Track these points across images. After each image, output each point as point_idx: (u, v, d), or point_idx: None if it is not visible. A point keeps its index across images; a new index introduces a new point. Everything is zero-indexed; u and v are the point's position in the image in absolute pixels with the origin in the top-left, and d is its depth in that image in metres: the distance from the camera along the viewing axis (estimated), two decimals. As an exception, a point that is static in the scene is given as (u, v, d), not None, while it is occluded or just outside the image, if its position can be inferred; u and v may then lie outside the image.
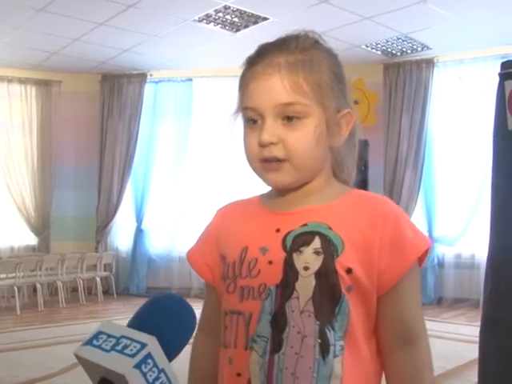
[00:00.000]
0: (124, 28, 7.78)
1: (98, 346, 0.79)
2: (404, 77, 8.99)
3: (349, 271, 1.04)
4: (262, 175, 1.12)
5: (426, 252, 1.10)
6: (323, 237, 1.06)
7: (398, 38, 8.18)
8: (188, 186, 9.87)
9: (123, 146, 9.92)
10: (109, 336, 0.80)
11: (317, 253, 1.05)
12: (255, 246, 1.10)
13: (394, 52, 8.79)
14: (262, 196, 1.21)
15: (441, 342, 6.07)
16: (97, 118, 10.05)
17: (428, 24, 7.51)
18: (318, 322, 1.03)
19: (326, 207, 1.11)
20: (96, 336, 0.81)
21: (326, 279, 1.04)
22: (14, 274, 7.77)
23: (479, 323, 3.05)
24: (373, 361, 1.09)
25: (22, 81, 9.76)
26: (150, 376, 0.76)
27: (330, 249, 1.05)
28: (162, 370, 0.77)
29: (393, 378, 1.10)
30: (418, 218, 8.88)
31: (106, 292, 9.43)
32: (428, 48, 8.54)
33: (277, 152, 1.07)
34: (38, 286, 8.13)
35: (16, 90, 9.73)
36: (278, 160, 1.08)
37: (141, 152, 9.98)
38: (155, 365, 0.77)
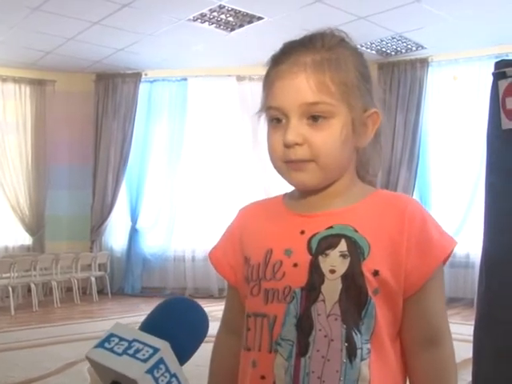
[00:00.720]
0: (119, 27, 7.76)
1: (110, 349, 0.78)
2: (398, 76, 9.01)
3: (375, 273, 1.04)
4: (287, 176, 1.10)
5: (451, 252, 1.10)
6: (349, 239, 1.05)
7: (393, 38, 8.19)
8: (183, 186, 9.86)
9: (118, 145, 9.90)
10: (121, 339, 0.80)
11: (343, 256, 1.04)
12: (280, 248, 1.09)
13: (388, 51, 8.80)
14: (285, 196, 1.19)
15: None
16: (91, 117, 10.03)
17: (422, 24, 7.53)
18: (344, 326, 1.02)
19: (351, 209, 1.09)
20: (108, 338, 0.80)
21: (353, 282, 1.03)
22: (8, 274, 7.75)
23: (474, 322, 3.05)
24: (398, 363, 1.09)
25: (17, 80, 9.73)
26: (162, 381, 0.76)
27: (356, 251, 1.04)
28: (173, 375, 0.77)
29: (417, 380, 1.10)
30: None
31: (101, 292, 9.41)
32: (422, 47, 8.56)
33: (302, 153, 1.05)
34: (33, 286, 8.11)
35: (10, 89, 9.71)
36: (304, 161, 1.06)
37: (135, 151, 9.97)
38: (167, 370, 0.76)
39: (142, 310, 7.99)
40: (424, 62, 8.85)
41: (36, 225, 9.79)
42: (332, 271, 1.04)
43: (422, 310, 1.08)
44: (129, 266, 9.91)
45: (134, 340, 0.79)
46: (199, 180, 9.76)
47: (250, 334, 1.10)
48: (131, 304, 8.70)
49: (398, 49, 8.68)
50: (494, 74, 2.89)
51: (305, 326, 1.04)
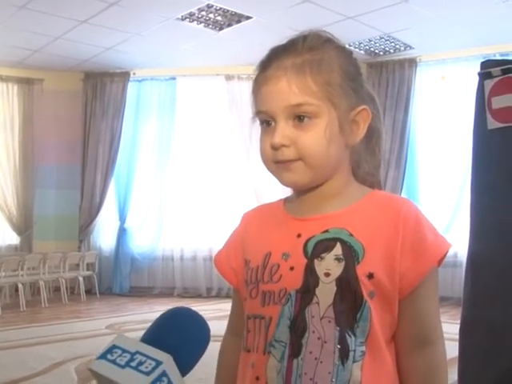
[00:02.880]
0: (107, 26, 7.74)
1: (113, 361, 0.78)
2: (387, 76, 9.04)
3: (370, 276, 1.05)
4: (278, 176, 1.12)
5: (445, 254, 1.11)
6: (344, 243, 1.06)
7: (381, 38, 8.22)
8: (171, 186, 9.85)
9: (106, 144, 9.87)
10: (123, 351, 0.80)
11: (338, 259, 1.06)
12: (278, 251, 1.11)
13: (376, 51, 8.83)
14: (286, 200, 1.21)
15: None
16: (79, 116, 9.99)
17: (410, 24, 7.56)
18: (338, 328, 1.04)
19: (346, 212, 1.11)
20: (110, 350, 0.80)
21: (348, 285, 1.04)
22: (-5, 274, 7.71)
23: (460, 321, 3.07)
24: (394, 364, 1.10)
25: (4, 79, 9.68)
26: None
27: (351, 255, 1.06)
28: None
29: (409, 379, 1.11)
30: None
31: (89, 291, 9.37)
32: (411, 48, 8.59)
33: (289, 154, 1.08)
34: (20, 285, 8.07)
35: (-3, 88, 9.66)
36: (291, 161, 1.08)
37: (124, 151, 9.94)
38: (169, 382, 0.77)
39: (130, 310, 7.98)
40: (412, 62, 8.89)
41: (24, 224, 9.74)
42: (327, 274, 1.05)
43: (416, 311, 1.09)
44: (117, 265, 9.88)
45: (137, 352, 0.79)
46: (188, 179, 9.75)
47: (249, 335, 1.12)
48: (119, 304, 8.67)
49: (387, 49, 8.72)
50: (479, 74, 2.90)
51: (298, 327, 1.05)
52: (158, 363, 0.77)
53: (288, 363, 1.05)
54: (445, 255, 1.10)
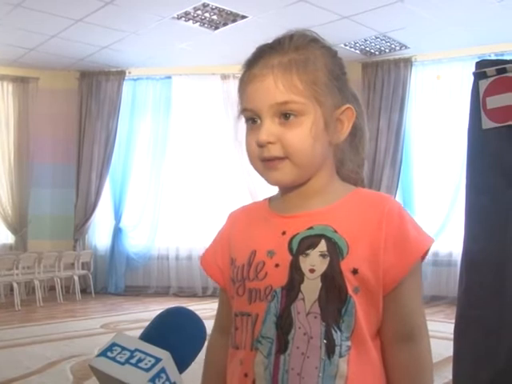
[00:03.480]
0: (102, 25, 7.73)
1: (113, 358, 0.80)
2: (382, 76, 9.05)
3: (354, 272, 1.06)
4: (264, 174, 1.13)
5: (428, 249, 1.12)
6: (329, 240, 1.08)
7: (377, 37, 8.23)
8: (167, 185, 9.84)
9: (101, 143, 9.86)
10: (123, 348, 0.81)
11: (323, 256, 1.07)
12: (263, 249, 1.12)
13: (372, 51, 8.84)
14: (271, 199, 1.23)
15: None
16: (75, 115, 9.97)
17: (406, 23, 7.57)
18: (324, 324, 1.05)
19: (330, 209, 1.12)
20: (110, 348, 0.82)
21: (332, 281, 1.06)
22: (-10, 273, 7.70)
23: (454, 320, 3.08)
24: (380, 358, 1.12)
25: (-1, 77, 9.66)
26: None
27: (335, 251, 1.07)
28: None
29: (393, 374, 1.12)
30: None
31: (84, 291, 9.36)
32: (406, 47, 8.61)
33: (275, 151, 1.09)
34: (15, 285, 8.05)
35: (-8, 87, 9.64)
36: (278, 158, 1.09)
37: (119, 150, 9.93)
38: (168, 379, 0.79)
39: (126, 309, 7.97)
40: (408, 62, 8.90)
41: (19, 223, 9.72)
42: (312, 270, 1.06)
43: (399, 306, 1.10)
44: (112, 264, 9.87)
45: (136, 350, 0.81)
46: (183, 179, 9.75)
47: (237, 332, 1.13)
48: (115, 303, 8.67)
49: (382, 48, 8.73)
50: (474, 74, 2.91)
51: (284, 324, 1.06)
52: (157, 360, 0.79)
53: (275, 359, 1.06)
54: (427, 250, 1.11)
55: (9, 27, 7.79)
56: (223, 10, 7.27)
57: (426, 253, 1.11)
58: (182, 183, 9.74)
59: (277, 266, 1.09)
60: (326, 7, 7.03)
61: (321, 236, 1.08)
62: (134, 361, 0.79)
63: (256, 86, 1.10)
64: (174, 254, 9.70)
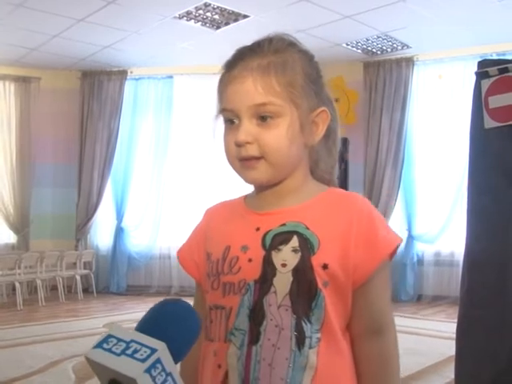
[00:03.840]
0: (104, 24, 7.73)
1: (109, 350, 0.80)
2: (384, 75, 9.05)
3: (325, 267, 1.10)
4: (241, 173, 1.17)
5: (397, 248, 1.16)
6: (300, 236, 1.12)
7: (378, 37, 8.22)
8: (168, 184, 9.85)
9: (103, 143, 9.86)
10: (118, 340, 0.82)
11: (295, 251, 1.11)
12: (237, 244, 1.16)
13: (374, 50, 8.84)
14: (247, 196, 1.27)
15: (420, 338, 6.12)
16: (77, 115, 9.97)
17: (408, 23, 7.57)
18: (294, 316, 1.09)
19: (303, 207, 1.16)
20: (106, 339, 0.82)
21: (303, 275, 1.10)
22: (-8, 273, 7.70)
23: (457, 320, 3.08)
24: (349, 351, 1.15)
25: (1, 77, 9.66)
26: (159, 380, 0.79)
27: (306, 247, 1.11)
28: (169, 374, 0.80)
29: (362, 366, 1.16)
30: (397, 217, 8.95)
31: (86, 290, 9.37)
32: (408, 47, 8.60)
33: (252, 151, 1.13)
34: (17, 284, 8.06)
35: (-6, 87, 9.64)
36: (255, 158, 1.13)
37: (121, 149, 9.94)
38: (163, 369, 0.79)
39: (128, 309, 7.97)
40: (409, 61, 8.89)
41: (21, 223, 9.73)
42: (283, 265, 1.10)
43: (368, 301, 1.14)
44: (114, 264, 9.87)
45: (132, 341, 0.81)
46: (185, 178, 9.75)
47: (212, 325, 1.17)
48: (116, 302, 8.67)
49: (384, 48, 8.72)
50: (476, 74, 2.92)
51: (257, 316, 1.10)
52: (153, 351, 0.79)
53: (247, 350, 1.10)
54: (395, 249, 1.15)
55: (11, 27, 7.80)
56: (225, 9, 7.27)
57: (395, 251, 1.15)
58: (184, 183, 9.74)
59: (250, 260, 1.13)
60: (328, 7, 7.02)
61: (293, 232, 1.12)
62: (129, 352, 0.80)
63: (236, 88, 1.14)
64: (176, 253, 9.69)
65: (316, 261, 1.10)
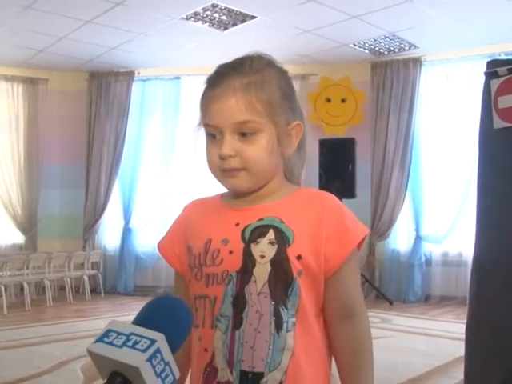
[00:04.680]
0: (111, 26, 7.75)
1: (110, 343, 0.84)
2: (391, 75, 9.03)
3: (299, 257, 1.21)
4: (223, 181, 1.29)
5: (364, 239, 1.27)
6: (276, 229, 1.23)
7: (386, 37, 8.21)
8: (176, 185, 9.85)
9: (111, 144, 9.88)
10: (118, 333, 0.86)
11: (271, 243, 1.21)
12: (217, 238, 1.26)
13: (381, 51, 8.83)
14: (223, 195, 1.37)
15: (428, 339, 6.10)
16: (84, 116, 10.00)
17: (415, 23, 7.55)
18: (273, 302, 1.20)
19: (278, 204, 1.27)
20: (106, 334, 0.86)
21: (280, 265, 1.20)
22: (0, 273, 7.72)
23: (465, 321, 3.07)
24: (322, 335, 1.26)
25: (9, 78, 9.70)
26: (158, 368, 0.83)
27: (282, 239, 1.22)
28: (167, 363, 0.84)
29: (337, 348, 1.27)
30: (405, 217, 8.93)
31: (94, 291, 9.39)
32: (415, 47, 8.58)
33: (235, 164, 1.23)
34: (25, 284, 8.09)
35: (2, 88, 9.67)
36: (236, 169, 1.24)
37: (128, 150, 9.95)
38: (162, 358, 0.84)
39: (135, 309, 7.98)
40: (417, 62, 8.88)
41: (28, 224, 9.77)
42: (262, 256, 1.21)
43: (339, 288, 1.25)
44: (122, 264, 9.89)
45: (132, 333, 0.85)
46: (192, 179, 9.75)
47: (197, 313, 1.26)
48: (124, 303, 8.69)
49: (391, 48, 8.71)
50: (486, 74, 2.91)
51: (239, 303, 1.21)
52: (153, 341, 0.84)
53: (231, 334, 1.21)
54: (363, 240, 1.26)
55: (18, 29, 7.83)
56: (232, 10, 7.28)
57: (362, 241, 1.26)
58: (191, 183, 9.74)
59: (231, 252, 1.23)
60: (336, 7, 7.02)
61: (270, 226, 1.23)
62: (130, 343, 0.83)
63: (219, 106, 1.23)
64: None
65: (291, 252, 1.21)
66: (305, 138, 1.34)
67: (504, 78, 2.77)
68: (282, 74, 1.30)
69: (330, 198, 1.29)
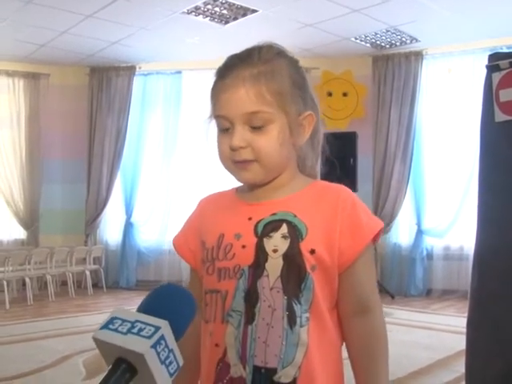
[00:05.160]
0: (112, 20, 7.74)
1: (115, 330, 0.85)
2: (393, 69, 9.01)
3: (312, 252, 1.19)
4: (235, 174, 1.28)
5: (379, 232, 1.25)
6: (289, 223, 1.21)
7: (387, 31, 8.19)
8: (177, 179, 9.86)
9: (112, 139, 9.89)
10: (123, 321, 0.86)
11: (284, 237, 1.20)
12: (230, 232, 1.25)
13: (382, 44, 8.81)
14: (238, 189, 1.36)
15: (430, 332, 6.11)
16: (85, 111, 10.00)
17: (417, 16, 7.53)
18: (285, 297, 1.18)
19: (291, 198, 1.26)
20: (111, 321, 0.87)
21: (293, 260, 1.19)
22: (2, 268, 7.74)
23: (467, 315, 3.07)
24: (336, 330, 1.24)
25: (10, 73, 9.69)
26: (162, 355, 0.83)
27: (295, 233, 1.20)
28: (171, 350, 0.85)
29: (351, 344, 1.25)
30: (406, 211, 8.93)
31: (96, 285, 9.41)
32: (417, 40, 8.56)
33: (246, 155, 1.22)
34: (27, 279, 8.11)
35: (4, 83, 9.67)
36: (247, 161, 1.23)
37: (130, 145, 9.96)
38: (166, 345, 0.84)
39: (137, 304, 7.98)
40: (418, 55, 8.85)
41: (30, 219, 9.78)
42: (275, 251, 1.20)
43: (354, 282, 1.23)
44: (123, 259, 9.91)
45: (136, 321, 0.86)
46: (194, 173, 9.75)
47: (207, 308, 1.26)
48: (126, 297, 8.71)
49: (393, 42, 8.69)
50: (487, 67, 2.90)
51: (251, 298, 1.20)
52: (157, 328, 0.84)
53: (244, 329, 1.19)
54: (378, 234, 1.24)
55: (19, 23, 7.82)
56: (233, 4, 7.26)
57: (378, 235, 1.25)
58: (193, 177, 9.74)
59: (243, 247, 1.22)
60: (337, 1, 7.00)
61: (283, 220, 1.22)
62: (135, 330, 0.84)
63: (229, 96, 1.22)
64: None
65: (304, 246, 1.19)
66: (318, 128, 1.32)
67: (506, 71, 2.76)
68: (293, 63, 1.28)
69: (345, 190, 1.27)
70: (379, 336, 1.25)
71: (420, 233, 8.83)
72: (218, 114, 1.26)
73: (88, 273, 9.13)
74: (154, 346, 0.82)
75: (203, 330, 1.27)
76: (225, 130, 1.25)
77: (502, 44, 7.87)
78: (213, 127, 1.30)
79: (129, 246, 9.94)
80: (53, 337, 5.92)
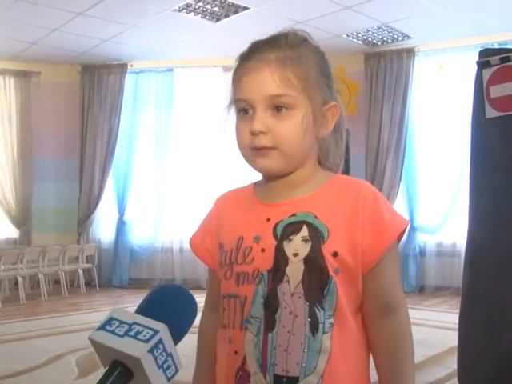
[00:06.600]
0: (104, 18, 7.71)
1: (112, 332, 0.83)
2: (385, 66, 9.02)
3: (335, 255, 1.14)
4: (252, 162, 1.19)
5: (404, 231, 1.19)
6: (310, 225, 1.15)
7: (379, 28, 8.19)
8: (170, 177, 9.84)
9: (104, 137, 9.86)
10: (121, 322, 0.85)
11: (305, 240, 1.14)
12: (250, 235, 1.19)
13: (374, 41, 8.81)
14: (256, 185, 1.30)
15: (422, 329, 6.12)
16: (77, 109, 9.97)
17: (408, 13, 7.54)
18: (307, 303, 1.13)
19: (311, 197, 1.20)
20: (108, 322, 0.85)
21: (314, 264, 1.13)
22: (-6, 267, 7.71)
23: (459, 311, 3.08)
24: (360, 335, 1.19)
25: (1, 72, 9.66)
26: (160, 360, 0.81)
27: (316, 236, 1.14)
28: (169, 354, 0.83)
29: (376, 346, 1.19)
30: (399, 207, 8.93)
31: (89, 284, 9.39)
32: (408, 37, 8.57)
33: (266, 141, 1.15)
34: (20, 279, 8.08)
35: (-5, 81, 9.63)
36: (267, 148, 1.16)
37: (122, 143, 9.93)
38: (164, 349, 0.82)
39: (130, 302, 7.99)
40: (410, 52, 8.86)
41: (22, 217, 9.74)
42: (295, 254, 1.14)
43: (378, 283, 1.18)
44: (116, 257, 9.89)
45: (134, 323, 0.84)
46: (186, 171, 9.74)
47: (225, 313, 1.21)
48: (119, 296, 8.69)
49: (385, 39, 8.69)
50: (478, 63, 2.90)
51: (271, 304, 1.14)
52: (155, 332, 0.82)
53: (263, 337, 1.14)
54: (403, 232, 1.19)
55: (10, 21, 7.78)
56: (225, 1, 7.24)
57: (402, 234, 1.19)
58: (185, 176, 9.73)
59: (263, 250, 1.16)
60: (328, -2, 6.99)
61: (303, 222, 1.16)
62: (132, 333, 0.82)
63: (252, 78, 1.16)
64: (178, 246, 9.71)
65: (326, 249, 1.13)
66: (342, 123, 1.27)
67: (496, 68, 2.77)
68: (319, 52, 1.23)
69: (366, 185, 1.22)
70: (406, 335, 1.20)
71: (413, 230, 8.83)
72: (238, 98, 1.19)
73: (81, 271, 9.11)
74: (151, 351, 0.80)
75: (220, 336, 1.23)
76: (245, 115, 1.18)
77: (494, 41, 7.89)
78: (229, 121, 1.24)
79: (121, 245, 9.92)
80: (45, 336, 5.90)
